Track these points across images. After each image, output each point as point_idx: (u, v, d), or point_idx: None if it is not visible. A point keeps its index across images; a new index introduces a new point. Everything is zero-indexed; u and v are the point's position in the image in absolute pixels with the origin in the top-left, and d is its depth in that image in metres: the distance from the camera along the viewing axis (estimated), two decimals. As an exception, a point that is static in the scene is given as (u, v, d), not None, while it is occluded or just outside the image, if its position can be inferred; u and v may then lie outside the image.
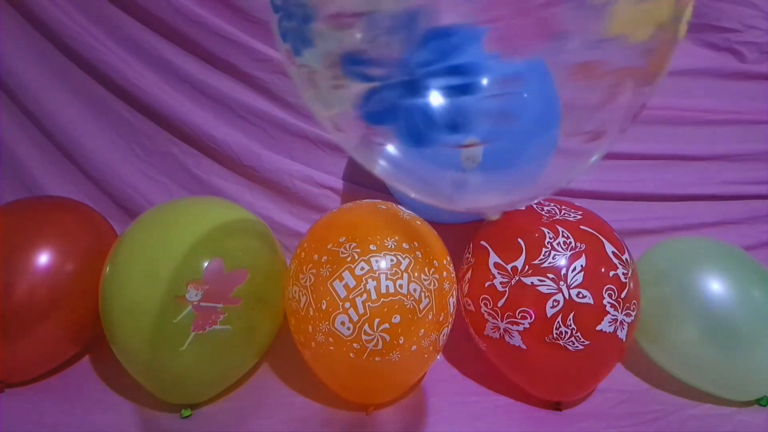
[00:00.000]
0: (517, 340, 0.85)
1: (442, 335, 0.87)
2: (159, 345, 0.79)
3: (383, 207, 0.92)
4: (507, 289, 0.84)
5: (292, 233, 1.18)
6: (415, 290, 0.79)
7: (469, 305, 0.91)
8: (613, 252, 0.84)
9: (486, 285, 0.87)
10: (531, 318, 0.82)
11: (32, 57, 1.18)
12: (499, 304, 0.85)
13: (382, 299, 0.77)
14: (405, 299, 0.78)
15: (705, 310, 0.87)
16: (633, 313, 0.84)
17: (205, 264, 0.80)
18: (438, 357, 0.89)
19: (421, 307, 0.80)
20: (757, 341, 0.85)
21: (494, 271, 0.86)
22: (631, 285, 0.84)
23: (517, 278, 0.84)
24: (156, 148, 1.21)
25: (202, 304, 0.79)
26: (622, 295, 0.82)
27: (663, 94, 1.27)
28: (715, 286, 0.87)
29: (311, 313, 0.79)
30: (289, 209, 1.21)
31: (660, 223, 1.25)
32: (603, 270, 0.83)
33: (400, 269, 0.79)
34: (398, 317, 0.78)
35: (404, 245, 0.82)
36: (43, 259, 0.87)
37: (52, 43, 1.17)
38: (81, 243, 0.93)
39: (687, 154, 1.27)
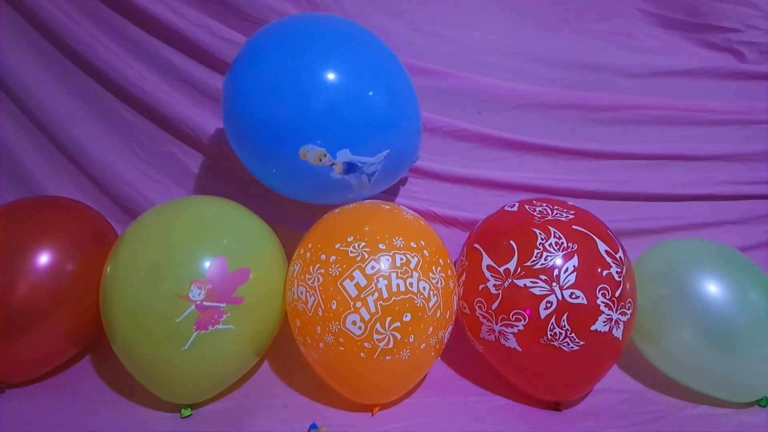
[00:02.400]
0: (512, 343, 0.85)
1: (447, 333, 0.87)
2: (161, 345, 0.79)
3: (387, 207, 0.92)
4: (500, 291, 0.84)
5: (292, 233, 1.18)
6: (424, 288, 0.80)
7: (465, 308, 0.91)
8: (606, 251, 0.84)
9: (480, 288, 0.87)
10: (525, 320, 0.82)
11: (32, 57, 1.18)
12: (493, 306, 0.85)
13: (394, 297, 0.78)
14: (415, 297, 0.79)
15: (702, 312, 0.87)
16: (629, 312, 0.84)
17: (209, 263, 0.81)
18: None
19: (431, 305, 0.80)
20: (754, 344, 0.85)
21: (487, 273, 0.86)
22: (626, 283, 0.84)
23: (510, 280, 0.84)
24: (156, 148, 1.21)
25: (205, 303, 0.79)
26: (617, 294, 0.82)
27: (663, 94, 1.27)
28: (713, 288, 0.88)
29: (320, 313, 0.79)
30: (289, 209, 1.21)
31: (660, 223, 1.25)
32: (596, 269, 0.82)
33: (410, 267, 0.80)
34: (409, 315, 0.78)
35: (412, 244, 0.83)
36: (44, 259, 0.88)
37: (52, 43, 1.17)
38: (81, 243, 0.93)
39: (687, 154, 1.27)
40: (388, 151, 0.92)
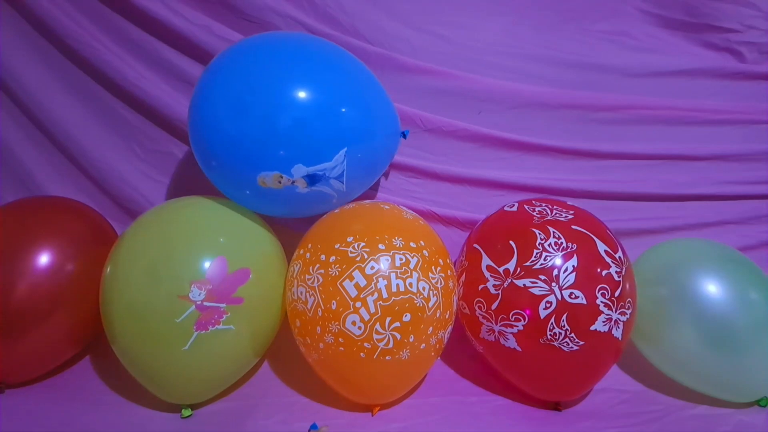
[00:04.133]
0: (512, 343, 0.85)
1: (447, 333, 0.87)
2: (161, 345, 0.79)
3: (386, 207, 0.92)
4: (500, 291, 0.84)
5: (292, 233, 1.18)
6: (424, 288, 0.80)
7: (464, 308, 0.91)
8: (605, 251, 0.84)
9: (479, 288, 0.87)
10: (525, 320, 0.82)
11: (32, 57, 1.18)
12: (493, 307, 0.85)
13: (393, 298, 0.78)
14: (415, 297, 0.79)
15: (702, 312, 0.87)
16: (628, 312, 0.84)
17: (209, 263, 0.81)
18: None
19: (430, 305, 0.80)
20: (753, 344, 0.85)
21: (487, 273, 0.86)
22: (626, 283, 0.84)
23: (510, 281, 0.84)
24: (156, 148, 1.21)
25: (205, 303, 0.79)
26: (616, 294, 0.82)
27: (663, 94, 1.27)
28: (713, 288, 0.88)
29: (320, 313, 0.79)
30: (289, 209, 1.21)
31: (660, 223, 1.25)
32: (595, 269, 0.82)
33: (410, 267, 0.80)
34: (409, 315, 0.78)
35: (411, 244, 0.83)
36: (44, 259, 0.88)
37: (52, 43, 1.17)
38: (81, 243, 0.93)
39: (687, 154, 1.27)
40: (345, 149, 0.88)
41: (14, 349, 0.86)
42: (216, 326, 0.80)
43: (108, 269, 0.85)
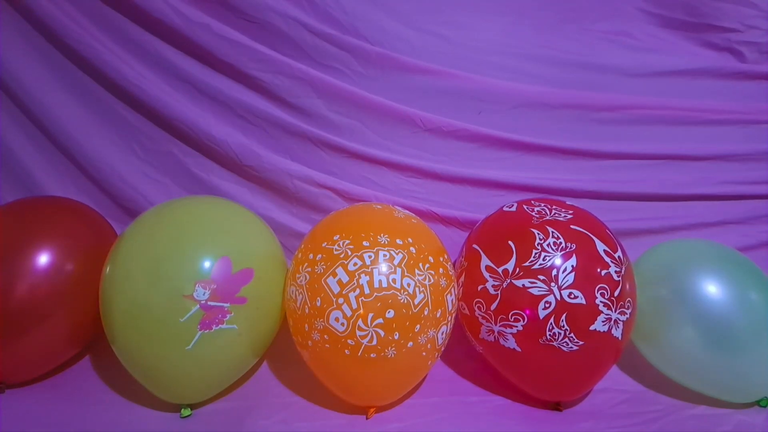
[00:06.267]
0: (511, 343, 0.85)
1: (440, 333, 0.85)
2: (163, 345, 0.79)
3: (378, 207, 0.93)
4: (499, 292, 0.84)
5: (292, 233, 1.18)
6: (408, 285, 0.79)
7: (464, 309, 0.91)
8: (604, 250, 0.84)
9: (479, 288, 0.87)
10: (524, 320, 0.82)
11: (32, 57, 1.18)
12: (492, 307, 0.85)
13: (375, 293, 0.77)
14: (399, 293, 0.78)
15: (702, 312, 0.87)
16: (628, 311, 0.84)
17: (213, 263, 0.81)
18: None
19: (416, 302, 0.79)
20: (753, 344, 0.85)
21: (486, 274, 0.86)
22: (625, 283, 0.84)
23: (509, 281, 0.83)
24: (156, 148, 1.21)
25: (209, 303, 0.79)
26: (615, 294, 0.82)
27: (663, 94, 1.27)
28: (713, 288, 0.87)
29: (306, 311, 0.80)
30: (288, 209, 1.21)
31: (660, 223, 1.25)
32: (595, 269, 0.82)
33: (394, 264, 0.80)
34: (392, 312, 0.78)
35: (398, 241, 0.82)
36: (44, 259, 0.87)
37: (52, 43, 1.17)
38: (81, 243, 0.93)
39: (687, 154, 1.27)
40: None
41: (14, 349, 0.86)
42: (220, 325, 0.80)
43: (108, 269, 0.85)
